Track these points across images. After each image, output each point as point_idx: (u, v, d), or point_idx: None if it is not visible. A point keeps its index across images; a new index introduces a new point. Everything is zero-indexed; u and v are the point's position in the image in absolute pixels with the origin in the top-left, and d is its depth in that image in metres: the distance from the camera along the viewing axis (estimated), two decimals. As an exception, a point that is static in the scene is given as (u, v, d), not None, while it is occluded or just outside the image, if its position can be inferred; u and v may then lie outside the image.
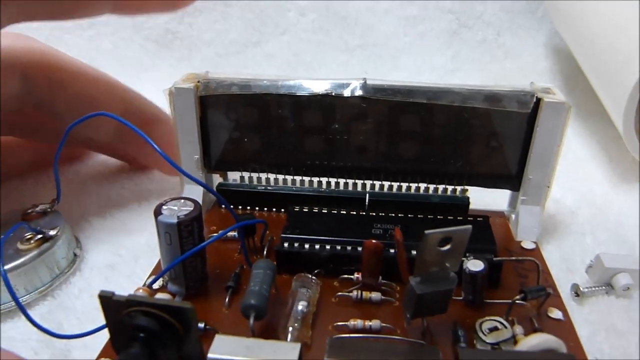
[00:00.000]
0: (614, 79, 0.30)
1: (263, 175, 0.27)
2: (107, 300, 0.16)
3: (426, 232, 0.17)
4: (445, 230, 0.17)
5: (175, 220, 0.20)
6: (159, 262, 0.24)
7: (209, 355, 0.16)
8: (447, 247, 0.18)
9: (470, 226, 0.18)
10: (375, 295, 0.21)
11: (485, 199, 0.27)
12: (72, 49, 0.32)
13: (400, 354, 0.18)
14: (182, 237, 0.20)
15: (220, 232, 0.22)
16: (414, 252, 0.22)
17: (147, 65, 0.29)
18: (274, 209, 0.27)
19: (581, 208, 0.29)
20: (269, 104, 0.25)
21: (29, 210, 0.27)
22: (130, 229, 0.28)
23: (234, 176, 0.28)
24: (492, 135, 0.25)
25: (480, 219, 0.24)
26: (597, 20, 0.34)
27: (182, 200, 0.21)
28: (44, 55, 0.26)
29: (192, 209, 0.20)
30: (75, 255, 0.26)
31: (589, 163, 0.34)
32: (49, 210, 0.27)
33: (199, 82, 0.25)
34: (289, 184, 0.27)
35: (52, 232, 0.24)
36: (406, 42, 0.45)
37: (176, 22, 0.46)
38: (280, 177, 0.27)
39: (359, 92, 0.24)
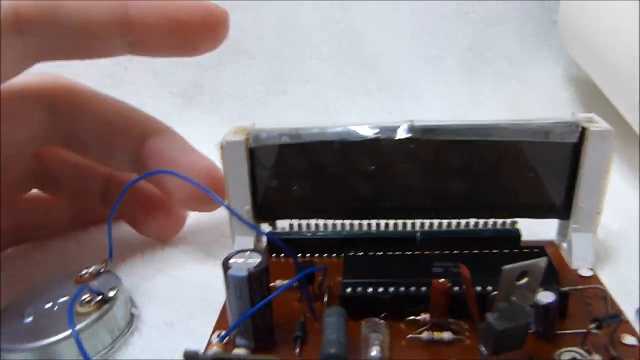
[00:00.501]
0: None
1: (312, 222, 0.28)
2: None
3: (503, 268, 0.17)
4: (522, 264, 0.17)
5: (245, 274, 0.20)
6: (221, 316, 0.24)
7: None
8: (524, 280, 0.18)
9: (545, 258, 0.18)
10: (447, 335, 0.21)
11: (532, 229, 0.27)
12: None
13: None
14: (252, 290, 0.20)
15: (287, 282, 0.22)
16: (478, 288, 0.22)
17: (173, 120, 0.30)
18: (325, 255, 0.28)
19: (628, 231, 0.29)
20: (319, 151, 0.25)
21: (83, 272, 0.27)
22: (182, 283, 0.28)
23: (281, 224, 0.28)
24: (540, 167, 0.25)
25: (537, 249, 0.24)
26: (617, 42, 0.35)
27: (247, 252, 0.21)
28: (68, 86, 0.28)
29: (260, 260, 0.21)
30: (132, 315, 0.26)
31: (626, 188, 0.35)
32: (102, 270, 0.27)
33: (248, 134, 0.25)
34: (339, 228, 0.28)
35: (111, 293, 0.24)
36: (427, 81, 0.46)
37: (200, 76, 0.47)
38: (330, 222, 0.28)
39: (407, 134, 0.25)
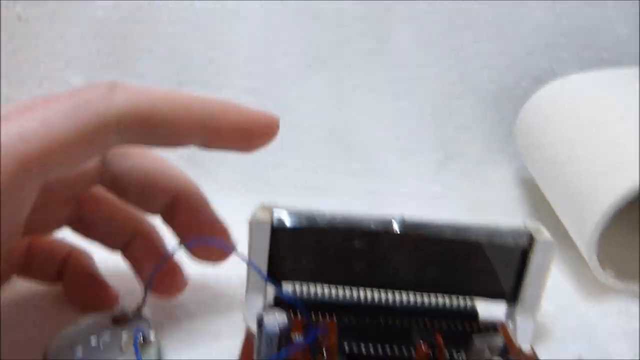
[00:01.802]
0: (580, 211, 0.39)
1: (312, 287, 0.34)
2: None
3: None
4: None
5: (277, 331, 0.26)
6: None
7: None
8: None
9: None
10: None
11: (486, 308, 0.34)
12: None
13: None
14: (281, 345, 0.26)
15: (306, 339, 0.28)
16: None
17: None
18: (321, 316, 0.34)
19: (560, 316, 0.37)
20: (332, 235, 0.32)
21: (118, 313, 0.31)
22: (209, 331, 0.33)
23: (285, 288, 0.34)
24: (496, 262, 0.33)
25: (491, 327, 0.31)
26: (563, 156, 0.44)
27: (274, 310, 0.27)
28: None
29: (285, 316, 0.26)
30: (160, 360, 0.31)
31: (560, 279, 0.42)
32: (135, 313, 0.31)
33: (272, 215, 0.32)
34: (338, 294, 0.34)
35: (152, 338, 0.29)
36: (402, 172, 0.54)
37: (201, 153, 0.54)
38: (327, 286, 0.34)
39: (400, 228, 0.32)
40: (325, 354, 0.30)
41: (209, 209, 0.33)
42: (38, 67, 0.54)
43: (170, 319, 0.34)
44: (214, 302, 0.36)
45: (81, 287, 0.34)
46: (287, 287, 0.34)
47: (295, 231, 0.32)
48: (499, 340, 0.24)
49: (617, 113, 0.43)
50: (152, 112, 0.26)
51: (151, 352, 0.29)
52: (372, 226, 0.32)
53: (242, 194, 0.51)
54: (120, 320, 0.31)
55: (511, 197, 0.53)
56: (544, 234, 0.32)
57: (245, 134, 0.29)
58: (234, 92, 0.55)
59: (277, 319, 0.26)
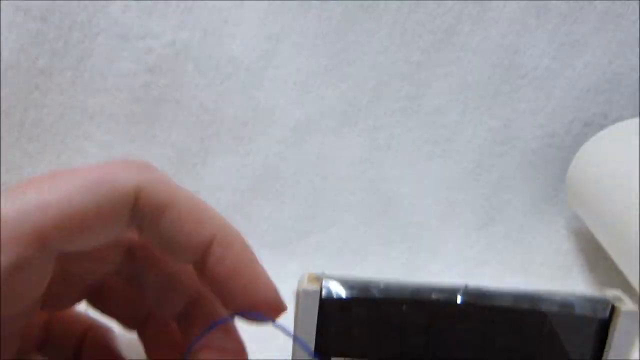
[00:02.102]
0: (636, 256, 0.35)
1: (364, 364, 0.30)
2: None
3: None
4: None
5: None
6: None
7: None
8: None
9: None
10: None
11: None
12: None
13: None
14: None
15: None
16: None
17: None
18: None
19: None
20: (388, 306, 0.29)
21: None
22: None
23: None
24: (567, 341, 0.29)
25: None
26: (625, 203, 0.40)
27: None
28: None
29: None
30: None
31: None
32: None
33: (322, 285, 0.29)
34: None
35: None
36: (443, 237, 0.51)
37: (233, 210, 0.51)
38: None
39: (461, 298, 0.28)
40: None
41: (253, 258, 0.28)
42: (61, 120, 0.52)
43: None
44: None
45: None
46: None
47: (347, 302, 0.29)
48: None
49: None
50: (169, 204, 0.24)
51: None
52: (433, 296, 0.28)
53: (274, 256, 0.48)
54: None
55: (563, 250, 0.49)
56: (627, 303, 0.28)
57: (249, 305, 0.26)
58: (265, 142, 0.52)
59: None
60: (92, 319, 0.32)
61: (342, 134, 0.52)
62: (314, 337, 0.29)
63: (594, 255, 0.49)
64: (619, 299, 0.29)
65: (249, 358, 0.29)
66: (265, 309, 0.27)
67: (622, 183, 0.42)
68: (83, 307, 0.32)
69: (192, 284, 0.29)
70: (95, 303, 0.32)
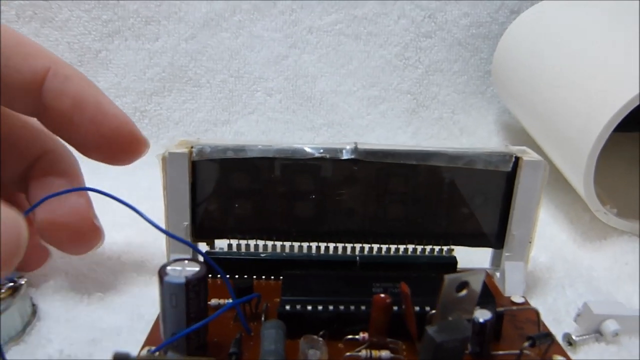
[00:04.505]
0: (572, 144, 0.33)
1: (252, 242, 0.27)
2: (123, 363, 0.15)
3: (446, 276, 0.18)
4: (463, 274, 0.18)
5: (183, 281, 0.19)
6: (152, 332, 0.23)
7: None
8: (464, 292, 0.18)
9: (484, 271, 0.18)
10: (385, 354, 0.21)
11: (464, 258, 0.28)
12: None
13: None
14: (189, 299, 0.19)
15: (227, 303, 0.21)
16: (416, 309, 0.22)
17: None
18: (264, 277, 0.27)
19: (555, 265, 0.31)
20: (263, 169, 0.25)
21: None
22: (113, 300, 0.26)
23: (220, 244, 0.28)
24: (474, 196, 0.26)
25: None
26: (549, 84, 0.38)
27: (185, 261, 0.20)
28: None
29: (198, 269, 0.20)
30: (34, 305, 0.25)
31: (553, 226, 0.36)
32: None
33: (192, 147, 0.25)
34: (279, 250, 0.27)
35: (21, 281, 0.23)
36: (369, 120, 0.47)
37: (145, 101, 0.47)
38: (270, 243, 0.27)
39: (351, 155, 0.25)
40: (263, 319, 0.23)
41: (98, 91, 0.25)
42: None
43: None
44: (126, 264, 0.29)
45: None
46: (222, 245, 0.27)
47: (221, 164, 0.25)
48: (479, 277, 0.18)
49: (600, 29, 0.37)
50: None
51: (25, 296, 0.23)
52: (319, 155, 0.25)
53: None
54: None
55: (492, 145, 0.47)
56: (531, 154, 0.26)
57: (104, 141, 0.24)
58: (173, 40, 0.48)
59: (184, 271, 0.20)
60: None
61: (256, 30, 0.48)
62: (189, 210, 0.26)
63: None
64: (524, 152, 0.26)
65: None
66: (121, 141, 0.24)
67: (545, 64, 0.39)
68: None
69: (34, 140, 0.25)
70: None
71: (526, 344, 0.20)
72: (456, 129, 0.48)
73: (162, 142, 0.46)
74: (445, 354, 0.18)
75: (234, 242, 0.27)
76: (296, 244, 0.27)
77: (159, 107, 0.47)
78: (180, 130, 0.46)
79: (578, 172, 0.32)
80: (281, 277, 0.24)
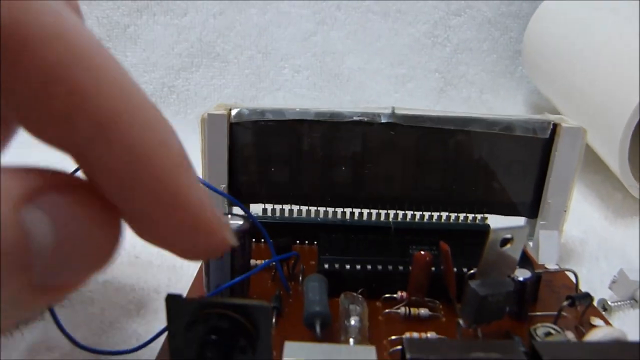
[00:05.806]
0: (607, 121, 0.33)
1: (286, 207, 0.27)
2: (176, 303, 0.16)
3: (491, 228, 0.18)
4: (508, 227, 0.18)
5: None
6: (194, 284, 0.23)
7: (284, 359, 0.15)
8: (508, 246, 0.18)
9: (527, 226, 0.18)
10: (424, 312, 0.21)
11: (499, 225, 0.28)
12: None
13: (480, 350, 0.18)
14: (234, 251, 0.20)
15: (264, 261, 0.22)
16: (455, 269, 0.22)
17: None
18: (298, 241, 0.27)
19: (588, 238, 0.30)
20: (301, 132, 0.25)
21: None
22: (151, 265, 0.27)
23: (255, 209, 0.28)
24: (511, 163, 0.26)
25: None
26: (585, 67, 0.37)
27: (229, 216, 0.21)
28: None
29: (242, 222, 0.20)
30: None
31: (583, 204, 0.36)
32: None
33: (231, 109, 0.25)
34: (313, 215, 0.27)
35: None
36: (396, 99, 0.47)
37: (173, 77, 0.47)
38: (304, 208, 0.27)
39: (389, 120, 0.25)
40: (301, 279, 0.24)
41: None
42: None
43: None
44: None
45: None
46: (257, 210, 0.28)
47: (259, 127, 0.25)
48: (524, 230, 0.18)
49: (638, 5, 0.36)
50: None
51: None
52: (358, 118, 0.25)
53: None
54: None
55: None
56: (568, 121, 0.26)
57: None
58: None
59: (230, 224, 0.20)
60: None
61: (284, 6, 0.48)
62: (226, 172, 0.26)
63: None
64: (562, 119, 0.26)
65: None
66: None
67: (576, 46, 0.39)
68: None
69: None
70: None
71: (565, 303, 0.21)
72: (484, 109, 0.48)
73: (189, 118, 0.46)
74: (488, 308, 0.19)
75: (269, 206, 0.27)
76: (330, 210, 0.27)
77: (186, 82, 0.47)
78: (208, 106, 0.46)
79: (612, 148, 0.32)
80: (316, 241, 0.25)
